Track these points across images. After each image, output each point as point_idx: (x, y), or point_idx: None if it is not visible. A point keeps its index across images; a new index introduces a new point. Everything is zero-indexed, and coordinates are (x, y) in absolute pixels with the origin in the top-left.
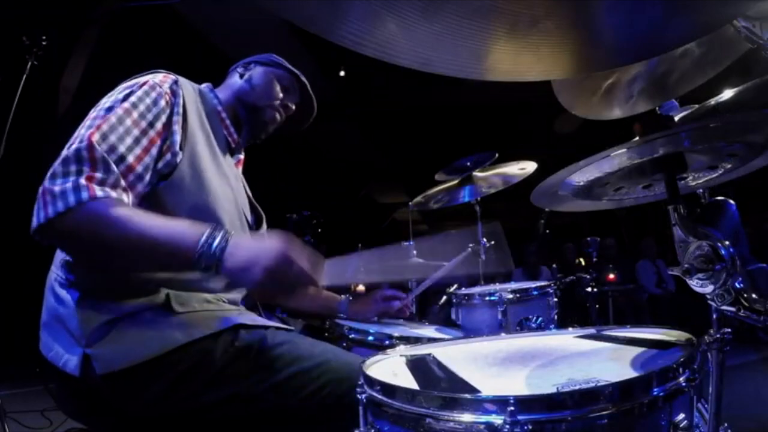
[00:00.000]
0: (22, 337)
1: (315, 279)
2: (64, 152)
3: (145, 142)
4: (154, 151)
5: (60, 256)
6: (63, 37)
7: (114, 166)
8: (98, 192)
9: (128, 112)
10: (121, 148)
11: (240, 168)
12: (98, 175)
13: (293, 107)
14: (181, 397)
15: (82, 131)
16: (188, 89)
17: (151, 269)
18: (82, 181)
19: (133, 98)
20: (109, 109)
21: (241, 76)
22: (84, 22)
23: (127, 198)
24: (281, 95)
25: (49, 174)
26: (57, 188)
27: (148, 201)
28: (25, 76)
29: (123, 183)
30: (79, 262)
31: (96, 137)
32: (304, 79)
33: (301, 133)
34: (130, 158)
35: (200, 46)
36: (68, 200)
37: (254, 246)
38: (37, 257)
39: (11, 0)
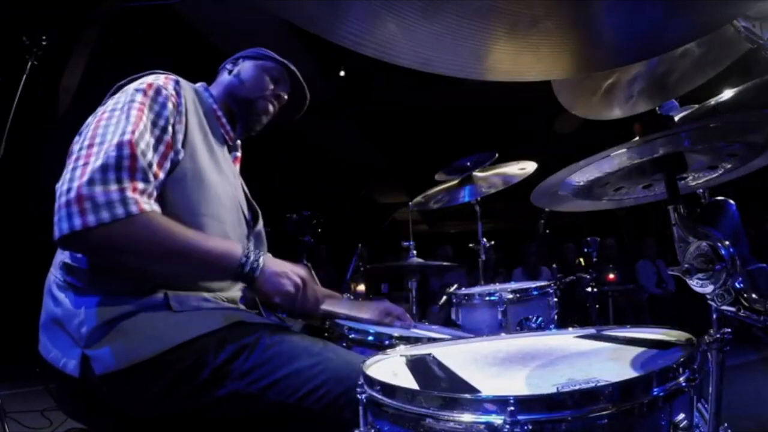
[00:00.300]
0: (22, 337)
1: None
2: (100, 157)
3: (162, 148)
4: (171, 155)
5: (59, 257)
6: (63, 37)
7: (150, 174)
8: (146, 206)
9: (146, 120)
10: (149, 156)
11: (237, 165)
12: (140, 185)
13: (285, 97)
14: (180, 396)
15: (115, 139)
16: (187, 89)
17: (186, 277)
18: (130, 193)
19: (145, 104)
20: (128, 116)
21: (230, 72)
22: (84, 22)
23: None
24: (272, 86)
25: (85, 179)
26: (100, 197)
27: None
28: (25, 76)
29: (155, 193)
30: (110, 268)
31: (133, 143)
32: (293, 68)
33: (301, 132)
34: (155, 166)
35: (200, 46)
36: (116, 211)
37: (282, 262)
38: (37, 257)
39: (11, 0)
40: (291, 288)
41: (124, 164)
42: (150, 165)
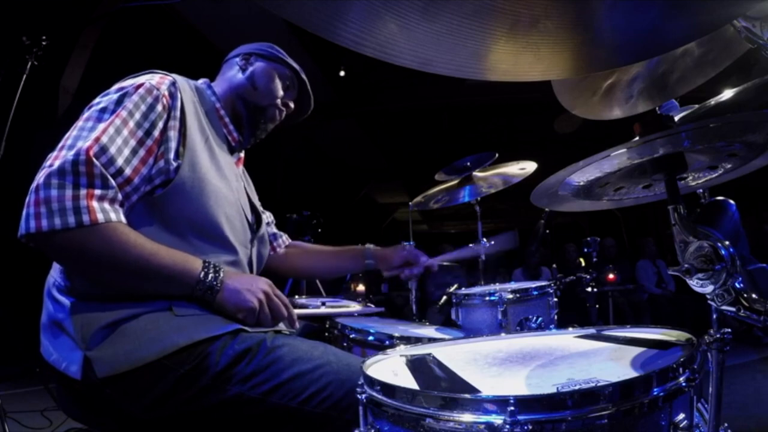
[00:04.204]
0: (22, 337)
1: (291, 313)
2: (61, 161)
3: (142, 152)
4: (152, 160)
5: None
6: (63, 37)
7: (112, 181)
8: (99, 216)
9: (125, 121)
10: (119, 161)
11: (240, 166)
12: (97, 191)
13: (293, 106)
14: (182, 399)
15: (79, 143)
16: (186, 89)
17: (143, 291)
18: (84, 201)
19: (129, 104)
20: (103, 111)
21: (242, 69)
22: (84, 22)
23: (123, 211)
24: (282, 93)
25: (43, 180)
26: (55, 203)
27: (148, 209)
28: (25, 76)
29: (120, 197)
30: (71, 273)
31: (94, 151)
32: (304, 76)
33: (302, 132)
34: (128, 171)
35: (200, 46)
36: (68, 220)
37: (244, 275)
38: (37, 257)
39: (11, 0)
40: (254, 303)
41: (80, 169)
42: (119, 171)
